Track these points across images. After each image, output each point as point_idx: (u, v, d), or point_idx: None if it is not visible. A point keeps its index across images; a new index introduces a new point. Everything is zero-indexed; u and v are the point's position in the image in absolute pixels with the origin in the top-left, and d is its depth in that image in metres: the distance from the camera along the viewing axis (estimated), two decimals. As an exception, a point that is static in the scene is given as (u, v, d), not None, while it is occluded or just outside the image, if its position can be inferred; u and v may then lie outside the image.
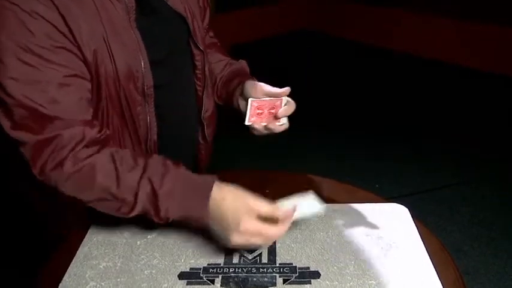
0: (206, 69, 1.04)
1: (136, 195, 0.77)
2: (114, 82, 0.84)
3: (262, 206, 0.77)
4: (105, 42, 0.81)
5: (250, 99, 0.99)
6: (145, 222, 0.90)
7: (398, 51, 4.56)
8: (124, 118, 0.89)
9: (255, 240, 0.76)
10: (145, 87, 0.89)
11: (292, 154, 2.76)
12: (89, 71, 0.81)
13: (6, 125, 0.76)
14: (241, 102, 1.04)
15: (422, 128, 3.15)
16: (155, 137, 0.94)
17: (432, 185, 2.48)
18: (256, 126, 0.96)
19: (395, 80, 4.03)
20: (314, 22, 5.45)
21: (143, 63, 0.87)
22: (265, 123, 0.95)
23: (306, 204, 0.84)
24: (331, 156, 2.79)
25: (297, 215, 0.80)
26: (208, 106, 1.08)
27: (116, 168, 0.78)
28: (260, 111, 0.98)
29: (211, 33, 1.18)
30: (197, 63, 1.02)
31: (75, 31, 0.77)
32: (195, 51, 1.01)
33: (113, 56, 0.83)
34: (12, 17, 0.72)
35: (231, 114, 1.05)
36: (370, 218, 0.91)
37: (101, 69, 0.82)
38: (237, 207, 0.77)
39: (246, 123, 0.98)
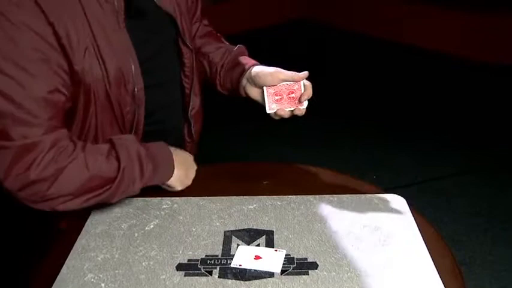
0: (194, 66, 1.04)
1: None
2: (104, 86, 0.84)
3: None
4: (94, 47, 0.80)
5: (265, 87, 0.98)
6: (143, 214, 0.91)
7: (395, 42, 4.54)
8: (114, 118, 0.89)
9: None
10: (136, 90, 0.88)
11: (289, 145, 2.76)
12: (76, 79, 0.80)
13: None
14: (251, 90, 1.03)
15: (420, 118, 3.15)
16: (141, 134, 0.94)
17: (429, 176, 2.48)
18: (281, 112, 0.97)
19: (393, 71, 4.02)
20: (312, 11, 5.41)
21: (133, 66, 0.87)
22: (289, 108, 0.97)
23: None
24: (328, 147, 2.79)
25: None
26: (194, 104, 1.07)
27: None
28: (279, 97, 0.98)
29: (205, 21, 1.16)
30: (185, 60, 1.02)
31: (64, 39, 0.76)
32: (184, 50, 1.01)
33: (103, 60, 0.81)
34: (0, 29, 0.70)
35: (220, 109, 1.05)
36: (368, 209, 0.91)
37: (90, 74, 0.81)
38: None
39: (268, 111, 0.99)
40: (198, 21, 1.13)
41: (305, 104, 0.99)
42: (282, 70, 0.97)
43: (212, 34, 1.18)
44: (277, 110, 0.98)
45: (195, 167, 1.00)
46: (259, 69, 1.00)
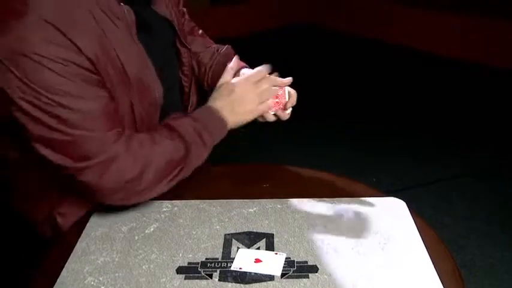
0: (192, 64, 1.06)
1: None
2: (129, 97, 0.86)
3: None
4: (119, 61, 0.82)
5: None
6: (143, 217, 0.91)
7: (394, 44, 4.55)
8: (136, 128, 0.91)
9: (263, 87, 0.95)
10: (157, 97, 0.91)
11: (289, 148, 2.76)
12: (111, 96, 0.83)
13: (69, 162, 0.78)
14: None
15: (420, 121, 3.15)
16: None
17: (429, 179, 2.48)
18: (266, 115, 1.00)
19: (392, 74, 4.03)
20: (309, 15, 5.43)
21: (152, 76, 0.89)
22: (273, 112, 1.00)
23: None
24: (328, 150, 2.79)
25: None
26: (193, 102, 1.10)
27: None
28: None
29: (186, 16, 1.18)
30: (184, 60, 1.05)
31: (96, 63, 0.78)
32: (182, 50, 1.04)
33: (126, 72, 0.84)
34: (42, 67, 0.72)
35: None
36: (368, 212, 0.91)
37: (118, 88, 0.83)
38: (227, 94, 0.95)
39: None
40: (181, 14, 1.14)
41: (289, 110, 1.02)
42: (269, 76, 1.00)
43: (196, 31, 1.22)
44: None
45: (247, 98, 0.96)
46: (247, 72, 1.04)
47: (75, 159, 0.78)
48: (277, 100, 1.00)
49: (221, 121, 0.94)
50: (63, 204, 0.95)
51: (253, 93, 0.96)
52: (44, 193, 0.95)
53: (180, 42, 1.02)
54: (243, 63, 1.10)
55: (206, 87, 1.17)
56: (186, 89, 1.07)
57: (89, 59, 0.76)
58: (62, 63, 0.73)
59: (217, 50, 1.18)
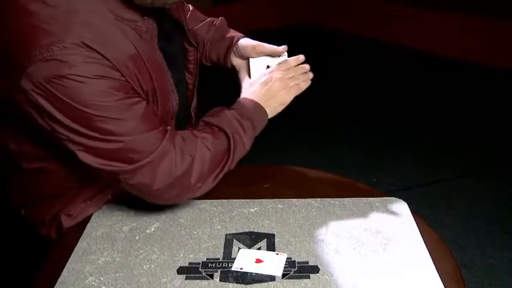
0: (198, 62, 1.08)
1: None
2: (153, 109, 0.87)
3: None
4: (149, 75, 0.83)
5: (250, 59, 1.05)
6: (145, 217, 0.91)
7: (394, 44, 4.55)
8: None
9: (293, 77, 0.99)
10: (175, 104, 0.93)
11: (290, 148, 2.76)
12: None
13: (119, 166, 0.78)
14: (236, 61, 1.11)
15: (420, 121, 3.15)
16: None
17: (430, 179, 2.48)
18: None
19: (392, 74, 4.03)
20: (309, 15, 5.43)
21: (170, 82, 0.91)
22: None
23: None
24: (328, 150, 2.79)
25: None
26: (195, 100, 1.10)
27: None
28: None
29: None
30: (190, 58, 1.05)
31: (127, 75, 0.78)
32: (189, 48, 1.04)
33: (154, 87, 0.85)
34: (84, 86, 0.72)
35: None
36: (369, 212, 0.91)
37: (150, 101, 0.85)
38: (260, 85, 0.99)
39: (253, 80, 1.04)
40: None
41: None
42: (264, 44, 1.05)
43: (186, 8, 1.22)
44: None
45: (279, 85, 0.99)
46: (244, 42, 1.09)
47: (127, 161, 0.78)
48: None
49: (260, 109, 0.96)
50: (69, 206, 0.94)
51: (285, 88, 0.98)
52: (51, 196, 0.95)
53: (188, 42, 1.03)
54: (240, 33, 1.14)
55: (203, 60, 1.18)
56: (191, 86, 1.07)
57: (123, 73, 0.77)
58: (100, 79, 0.74)
59: (213, 23, 1.20)
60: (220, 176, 0.88)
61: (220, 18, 1.21)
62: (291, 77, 0.99)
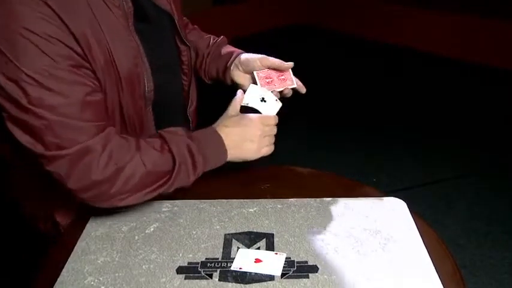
0: (191, 64, 1.06)
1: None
2: (117, 89, 0.84)
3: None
4: (108, 51, 0.80)
5: (255, 72, 1.04)
6: (143, 217, 0.90)
7: (394, 44, 4.55)
8: (124, 121, 0.89)
9: (272, 132, 0.96)
10: (147, 91, 0.89)
11: (289, 148, 2.75)
12: (99, 88, 0.81)
13: (40, 148, 0.74)
14: (239, 75, 1.08)
15: (420, 121, 3.15)
16: (147, 135, 0.94)
17: (430, 179, 2.48)
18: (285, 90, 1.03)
19: (392, 74, 4.03)
20: (309, 15, 5.43)
21: (145, 68, 0.87)
22: (280, 89, 1.03)
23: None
24: (328, 151, 2.79)
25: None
26: (192, 100, 1.09)
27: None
28: (269, 79, 1.03)
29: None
30: (183, 58, 1.04)
31: (85, 48, 0.76)
32: (182, 47, 1.03)
33: (116, 65, 0.82)
34: (30, 44, 0.70)
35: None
36: (368, 212, 0.91)
37: (106, 79, 0.81)
38: (237, 126, 0.92)
39: None
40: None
41: (294, 82, 1.04)
42: (269, 57, 1.03)
43: (189, 25, 1.23)
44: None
45: (256, 136, 0.94)
46: (248, 55, 1.06)
47: (47, 146, 0.74)
48: (283, 77, 1.04)
49: (221, 149, 0.90)
50: (62, 202, 0.94)
51: (263, 135, 0.94)
52: (43, 190, 0.94)
53: (180, 40, 1.01)
54: (239, 50, 1.12)
55: (202, 76, 1.17)
56: (185, 88, 1.06)
57: (79, 43, 0.74)
58: (50, 42, 0.71)
59: (213, 40, 1.19)
60: (153, 194, 0.83)
61: (221, 36, 1.20)
62: (268, 136, 0.96)
